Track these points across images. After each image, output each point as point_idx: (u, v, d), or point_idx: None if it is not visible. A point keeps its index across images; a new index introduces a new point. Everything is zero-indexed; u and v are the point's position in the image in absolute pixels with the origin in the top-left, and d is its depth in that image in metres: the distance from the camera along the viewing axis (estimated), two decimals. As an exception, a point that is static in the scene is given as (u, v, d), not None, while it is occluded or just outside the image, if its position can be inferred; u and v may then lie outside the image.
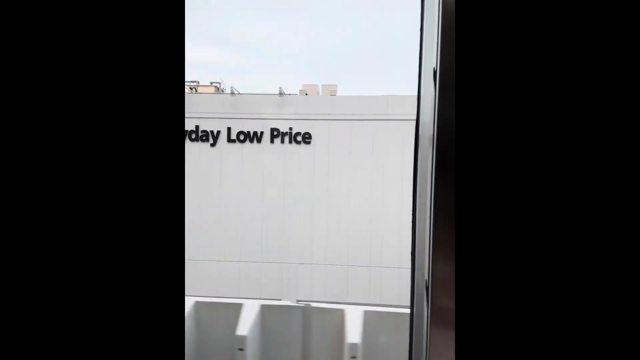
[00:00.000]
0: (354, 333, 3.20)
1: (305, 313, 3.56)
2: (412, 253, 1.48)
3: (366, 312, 3.40)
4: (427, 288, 1.30)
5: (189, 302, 3.63)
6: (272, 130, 13.21)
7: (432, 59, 1.40)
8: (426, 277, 1.32)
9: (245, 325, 3.28)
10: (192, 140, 13.18)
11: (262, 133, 13.21)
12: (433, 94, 1.35)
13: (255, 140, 13.23)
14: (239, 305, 3.46)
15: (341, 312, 3.40)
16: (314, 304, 3.73)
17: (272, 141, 13.26)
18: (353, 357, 3.12)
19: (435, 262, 1.19)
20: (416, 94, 1.58)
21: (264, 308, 3.49)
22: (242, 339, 3.20)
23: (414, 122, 1.56)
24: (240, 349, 3.20)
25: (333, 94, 17.57)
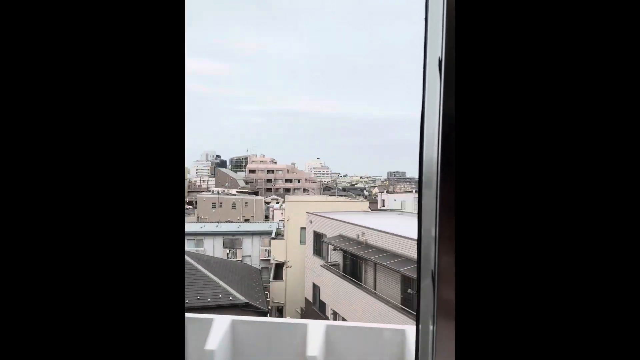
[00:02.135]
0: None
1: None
2: (418, 245, 1.48)
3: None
4: (433, 278, 1.30)
5: None
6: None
7: (437, 49, 1.38)
8: (432, 268, 1.32)
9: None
10: None
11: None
12: (438, 85, 1.33)
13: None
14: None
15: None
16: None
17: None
18: None
19: (442, 254, 1.19)
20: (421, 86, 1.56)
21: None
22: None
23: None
24: None
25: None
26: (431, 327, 1.31)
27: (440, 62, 1.32)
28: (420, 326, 1.45)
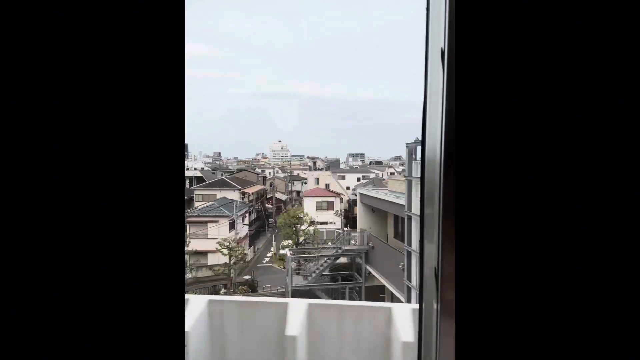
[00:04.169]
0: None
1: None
2: (420, 243, 1.46)
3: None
4: (436, 276, 1.29)
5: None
6: None
7: (439, 40, 1.36)
8: (435, 264, 1.31)
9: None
10: None
11: None
12: (441, 76, 1.31)
13: None
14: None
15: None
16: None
17: None
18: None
19: (445, 252, 1.18)
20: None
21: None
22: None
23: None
24: None
25: None
26: (435, 322, 1.30)
27: (442, 53, 1.30)
28: (423, 322, 1.45)
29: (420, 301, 1.44)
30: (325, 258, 20.44)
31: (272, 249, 31.21)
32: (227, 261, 23.36)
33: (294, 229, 26.72)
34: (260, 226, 35.43)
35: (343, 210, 31.46)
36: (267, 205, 37.89)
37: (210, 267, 24.28)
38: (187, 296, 3.55)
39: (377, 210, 21.66)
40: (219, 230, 26.55)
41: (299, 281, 19.92)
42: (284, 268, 21.66)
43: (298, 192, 43.95)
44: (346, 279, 20.90)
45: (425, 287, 1.41)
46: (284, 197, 40.97)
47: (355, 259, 20.83)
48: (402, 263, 15.39)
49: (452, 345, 1.06)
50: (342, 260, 21.25)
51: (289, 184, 44.77)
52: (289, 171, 49.92)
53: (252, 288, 22.03)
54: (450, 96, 1.13)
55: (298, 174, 49.93)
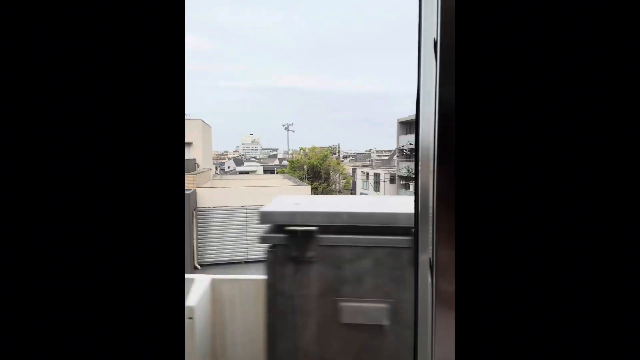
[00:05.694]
0: None
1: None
2: (414, 233, 1.47)
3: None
4: (431, 267, 1.31)
5: None
6: None
7: (432, 29, 1.35)
8: (430, 256, 1.32)
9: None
10: None
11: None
12: (434, 67, 1.30)
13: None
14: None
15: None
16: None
17: None
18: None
19: (439, 244, 1.19)
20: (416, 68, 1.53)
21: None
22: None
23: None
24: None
25: None
26: (430, 314, 1.32)
27: (435, 43, 1.29)
28: (419, 313, 1.47)
29: (416, 292, 1.46)
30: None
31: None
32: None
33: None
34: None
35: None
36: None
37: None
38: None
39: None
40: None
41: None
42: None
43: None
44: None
45: (420, 277, 1.43)
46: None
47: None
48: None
49: (448, 335, 1.08)
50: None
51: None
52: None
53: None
54: (443, 86, 1.14)
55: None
